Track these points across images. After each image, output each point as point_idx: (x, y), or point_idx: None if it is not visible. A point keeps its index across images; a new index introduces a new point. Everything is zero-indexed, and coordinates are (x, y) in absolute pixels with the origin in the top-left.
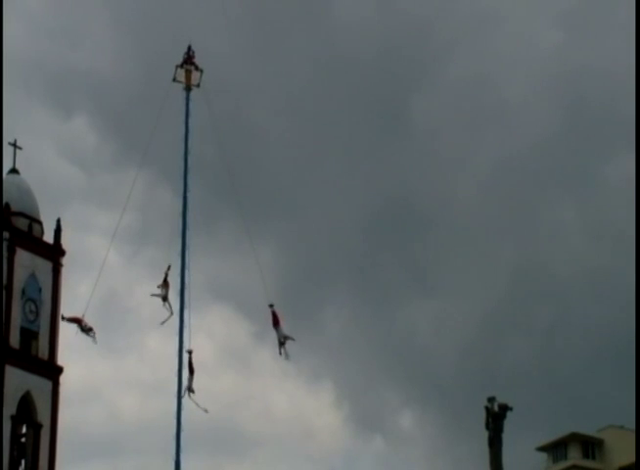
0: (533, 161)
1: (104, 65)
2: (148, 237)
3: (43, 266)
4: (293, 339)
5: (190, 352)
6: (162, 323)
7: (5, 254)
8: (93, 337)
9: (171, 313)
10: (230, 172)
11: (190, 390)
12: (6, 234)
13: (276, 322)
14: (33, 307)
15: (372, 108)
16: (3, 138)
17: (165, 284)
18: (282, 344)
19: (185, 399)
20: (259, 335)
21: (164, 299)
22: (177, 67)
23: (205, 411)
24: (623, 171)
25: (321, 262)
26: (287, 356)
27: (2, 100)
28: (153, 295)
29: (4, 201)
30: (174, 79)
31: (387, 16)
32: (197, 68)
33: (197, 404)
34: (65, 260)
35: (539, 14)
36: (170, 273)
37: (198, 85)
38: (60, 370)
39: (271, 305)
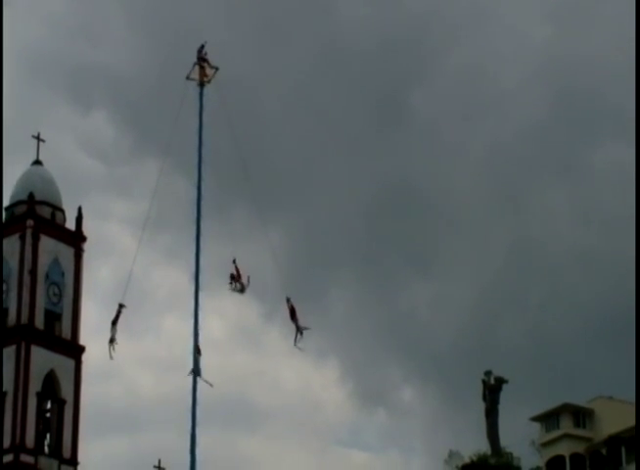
0: (526, 148)
1: (121, 62)
2: (164, 224)
3: (66, 252)
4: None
5: (121, 306)
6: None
7: (30, 240)
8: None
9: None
10: (242, 163)
11: (112, 340)
12: (31, 222)
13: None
14: (57, 291)
15: (374, 99)
16: (27, 132)
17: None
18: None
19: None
20: (269, 315)
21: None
22: (193, 64)
23: (111, 358)
24: (609, 157)
25: (326, 248)
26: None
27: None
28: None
29: (29, 190)
30: (188, 77)
31: (387, 11)
32: (210, 65)
33: (110, 351)
34: (86, 246)
35: (530, 9)
36: (185, 258)
37: (210, 81)
38: (82, 349)
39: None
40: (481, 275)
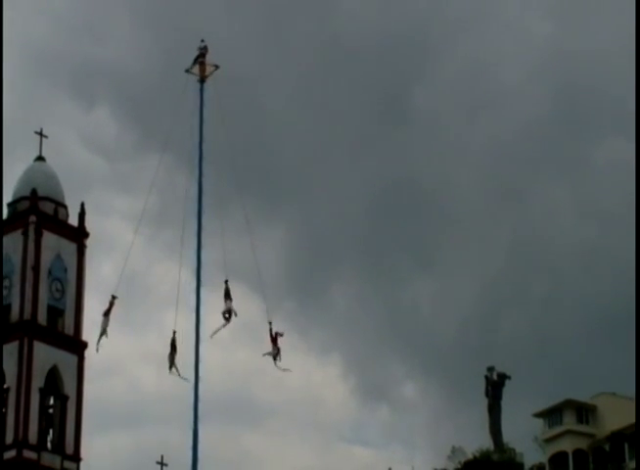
0: (527, 144)
1: (124, 58)
2: (165, 220)
3: (68, 248)
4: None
5: (113, 297)
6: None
7: (32, 236)
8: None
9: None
10: (243, 159)
11: (104, 332)
12: (33, 218)
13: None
14: (59, 286)
15: (376, 96)
16: (30, 128)
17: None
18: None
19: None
20: (270, 311)
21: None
22: (191, 64)
23: (97, 351)
24: (610, 154)
25: (329, 243)
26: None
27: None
28: (265, 354)
29: (31, 186)
30: (188, 70)
31: (389, 8)
32: (206, 63)
33: (99, 343)
34: (88, 242)
35: (532, 6)
36: (186, 254)
37: (212, 73)
38: (85, 345)
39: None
40: (484, 271)
